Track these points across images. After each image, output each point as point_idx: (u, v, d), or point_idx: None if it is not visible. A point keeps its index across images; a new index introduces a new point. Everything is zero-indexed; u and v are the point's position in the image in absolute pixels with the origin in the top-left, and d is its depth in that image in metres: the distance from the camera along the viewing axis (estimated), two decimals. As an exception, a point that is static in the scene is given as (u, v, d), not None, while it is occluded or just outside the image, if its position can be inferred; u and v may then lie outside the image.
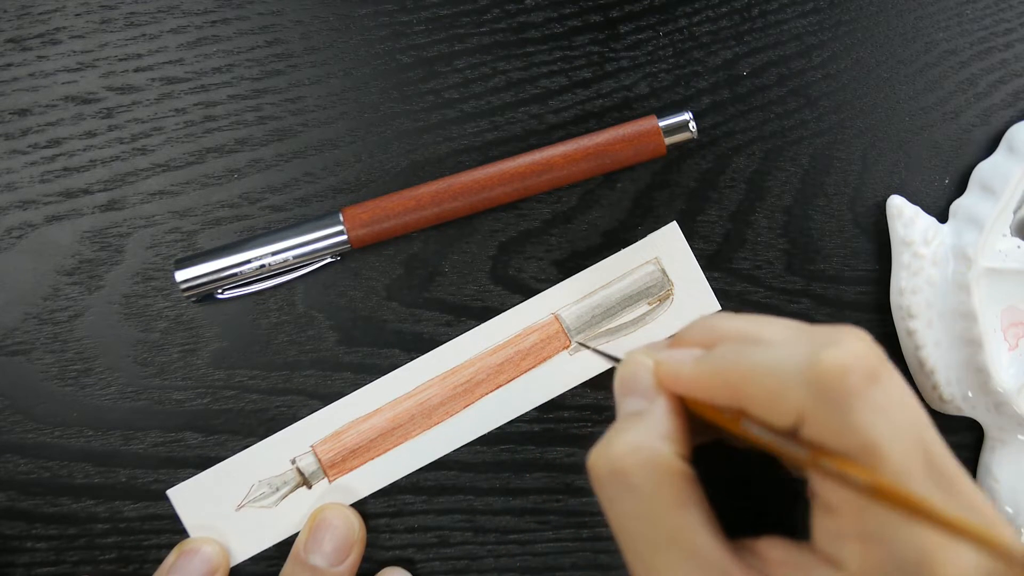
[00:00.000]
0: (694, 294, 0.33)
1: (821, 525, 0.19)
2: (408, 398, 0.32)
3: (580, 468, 0.33)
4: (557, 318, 0.32)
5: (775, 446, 0.19)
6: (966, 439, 0.34)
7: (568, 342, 0.32)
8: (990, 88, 0.35)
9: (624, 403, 0.23)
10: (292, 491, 0.31)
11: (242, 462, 0.31)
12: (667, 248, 0.33)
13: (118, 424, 0.31)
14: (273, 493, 0.31)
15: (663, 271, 0.33)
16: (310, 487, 0.31)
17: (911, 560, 0.17)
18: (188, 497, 0.31)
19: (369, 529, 0.32)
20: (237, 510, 0.31)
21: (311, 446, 0.31)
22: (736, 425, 0.20)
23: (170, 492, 0.31)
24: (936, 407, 0.33)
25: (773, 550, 0.20)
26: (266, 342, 0.32)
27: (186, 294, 0.31)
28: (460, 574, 0.32)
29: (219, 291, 0.31)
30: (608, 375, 0.33)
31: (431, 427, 0.32)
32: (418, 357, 0.32)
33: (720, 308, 0.33)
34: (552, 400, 0.32)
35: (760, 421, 0.20)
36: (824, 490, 0.19)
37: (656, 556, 0.19)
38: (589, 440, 0.33)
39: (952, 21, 0.35)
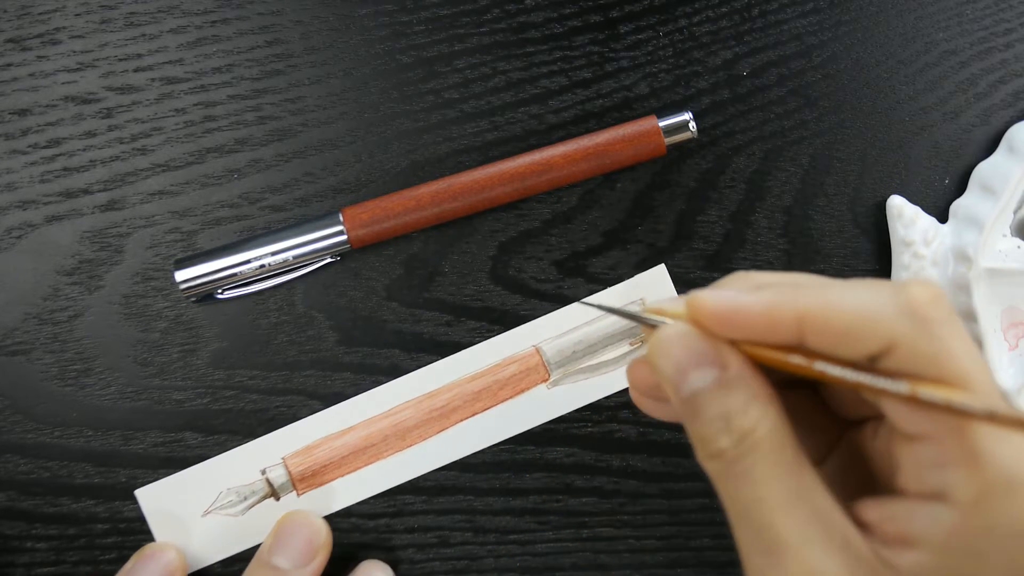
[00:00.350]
0: None
1: (911, 460, 0.19)
2: (383, 418, 0.32)
3: (580, 468, 0.33)
4: (538, 351, 0.32)
5: (861, 383, 0.18)
6: (966, 439, 0.34)
7: (547, 375, 0.32)
8: (990, 88, 0.35)
9: (687, 381, 0.20)
10: (260, 501, 0.31)
11: (212, 468, 0.31)
12: (653, 290, 0.33)
13: (118, 424, 0.31)
14: (241, 502, 0.31)
15: None
16: (278, 499, 0.31)
17: (1022, 478, 0.17)
18: (155, 498, 0.31)
19: (369, 529, 0.32)
20: (203, 516, 0.31)
21: (282, 458, 0.31)
22: (808, 367, 0.19)
23: (138, 492, 0.31)
24: (936, 407, 0.33)
25: (868, 511, 0.19)
26: (266, 342, 0.32)
27: (186, 294, 0.31)
28: (460, 574, 0.32)
29: (219, 291, 0.31)
30: (586, 408, 0.32)
31: (404, 449, 0.32)
32: (399, 377, 0.32)
33: None
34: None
35: (829, 357, 0.19)
36: (913, 423, 0.18)
37: (781, 518, 0.18)
38: (589, 440, 0.33)
39: (952, 21, 0.35)
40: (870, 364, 0.19)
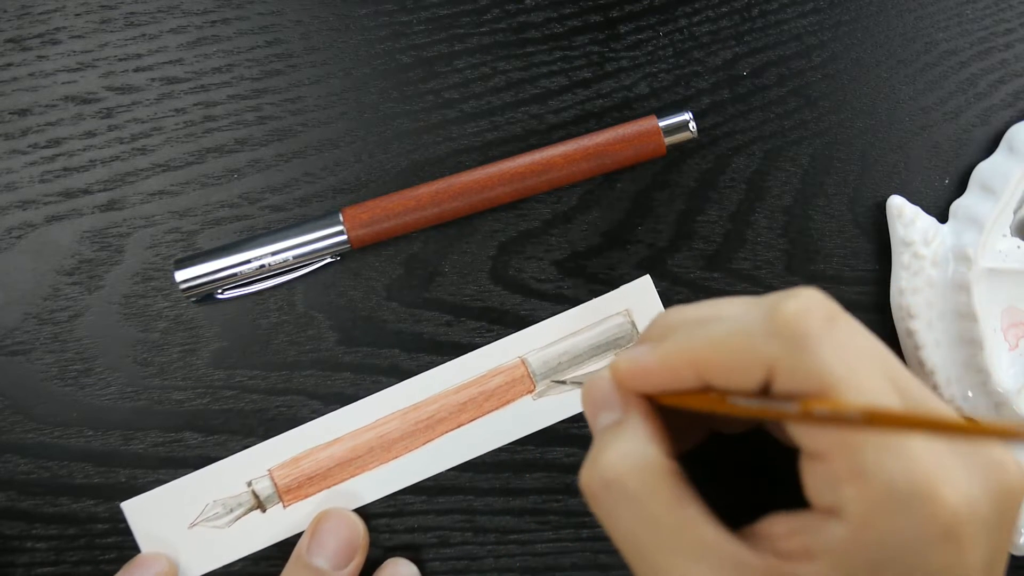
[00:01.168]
0: None
1: (812, 478, 0.19)
2: (368, 430, 0.32)
3: (580, 468, 0.32)
4: (524, 362, 0.32)
5: (763, 410, 0.19)
6: (966, 439, 0.34)
7: (533, 387, 0.32)
8: (990, 88, 0.35)
9: (597, 420, 0.23)
10: (246, 513, 0.31)
11: (198, 480, 0.31)
12: (638, 301, 0.33)
13: (118, 424, 0.31)
14: (227, 514, 0.31)
15: (633, 324, 0.33)
16: (264, 511, 0.31)
17: (907, 490, 0.17)
18: (142, 511, 0.31)
19: (369, 529, 0.32)
20: (190, 528, 0.31)
21: (268, 470, 0.31)
22: (721, 403, 0.20)
23: (124, 505, 0.31)
24: (936, 407, 0.33)
25: (775, 526, 0.20)
26: (266, 342, 0.32)
27: (186, 294, 0.31)
28: (460, 574, 0.32)
29: (219, 291, 0.31)
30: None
31: (389, 460, 0.32)
32: (384, 385, 0.32)
33: None
34: (552, 400, 0.32)
35: (730, 391, 0.20)
36: (810, 440, 0.19)
37: (665, 557, 0.19)
38: (589, 440, 0.32)
39: (952, 21, 0.35)
40: (768, 392, 0.19)
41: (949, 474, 0.18)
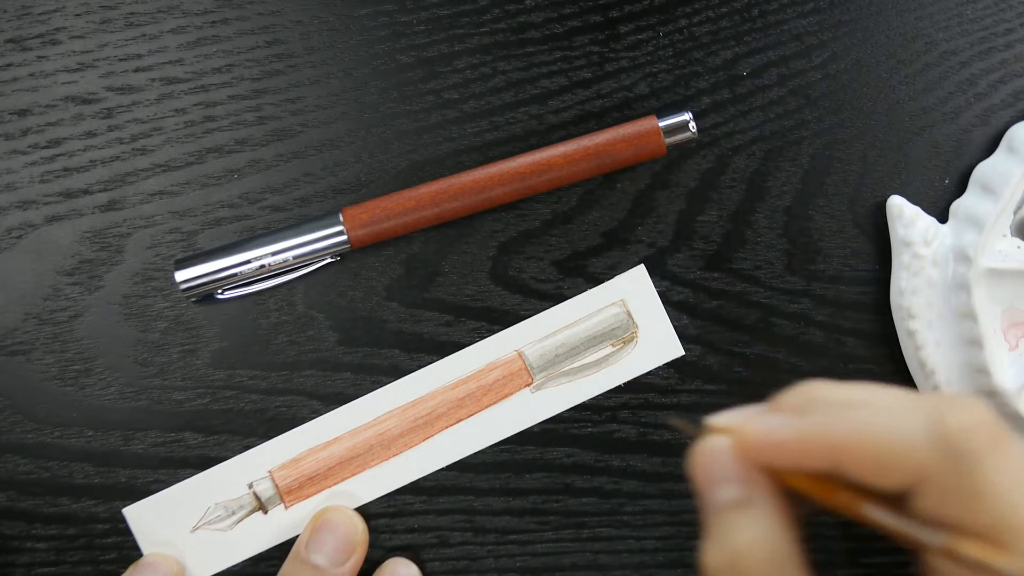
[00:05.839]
0: (658, 338, 0.33)
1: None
2: (368, 428, 0.32)
3: (580, 468, 0.33)
4: (520, 355, 0.32)
5: (900, 528, 0.18)
6: (966, 439, 0.34)
7: (531, 379, 0.32)
8: (990, 88, 0.35)
9: (715, 493, 0.21)
10: (248, 515, 0.31)
11: (199, 484, 0.31)
12: (633, 291, 0.33)
13: (118, 424, 0.31)
14: (229, 516, 0.31)
15: (628, 314, 0.33)
16: (266, 512, 0.31)
17: None
18: (143, 516, 0.31)
19: (369, 529, 0.32)
20: (192, 532, 0.31)
21: (269, 471, 0.31)
22: (853, 505, 0.19)
23: (126, 511, 0.31)
24: (936, 407, 0.33)
25: None
26: (266, 342, 0.32)
27: (186, 294, 0.31)
28: (460, 574, 0.32)
29: (219, 291, 0.31)
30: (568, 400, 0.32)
31: (389, 458, 0.32)
32: (384, 385, 0.32)
33: (683, 354, 0.33)
34: (552, 400, 0.32)
35: (862, 486, 0.19)
36: (945, 569, 0.18)
37: None
38: (589, 440, 0.33)
39: (952, 21, 0.35)
40: (908, 499, 0.18)
41: None
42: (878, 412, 0.19)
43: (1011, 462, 0.18)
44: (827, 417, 0.20)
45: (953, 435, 0.18)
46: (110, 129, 0.31)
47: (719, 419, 0.21)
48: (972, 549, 0.16)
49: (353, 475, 0.31)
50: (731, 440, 0.21)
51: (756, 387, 0.33)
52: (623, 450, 0.33)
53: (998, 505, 0.17)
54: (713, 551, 0.20)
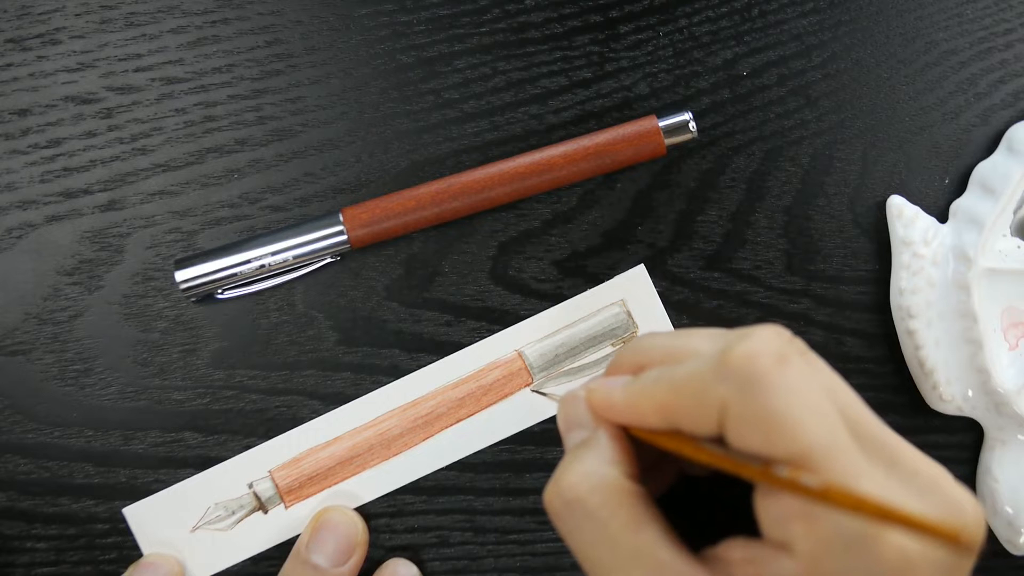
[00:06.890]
0: None
1: (764, 512, 0.19)
2: (368, 428, 0.32)
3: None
4: (520, 355, 0.32)
5: (726, 460, 0.19)
6: (966, 439, 0.34)
7: (531, 379, 0.32)
8: (990, 88, 0.35)
9: (568, 437, 0.23)
10: (248, 515, 0.31)
11: (199, 484, 0.31)
12: (633, 290, 0.33)
13: (118, 424, 0.31)
14: (229, 516, 0.31)
15: (628, 314, 0.33)
16: (266, 512, 0.31)
17: (854, 534, 0.17)
18: (144, 517, 0.31)
19: (369, 529, 0.32)
20: (192, 532, 0.31)
21: (269, 471, 0.31)
22: (687, 446, 0.20)
23: (126, 511, 0.31)
24: (936, 407, 0.33)
25: (733, 551, 0.20)
26: (266, 342, 0.32)
27: (186, 294, 0.31)
28: (460, 574, 0.32)
29: (219, 291, 0.31)
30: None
31: (389, 458, 0.32)
32: (384, 384, 0.32)
33: None
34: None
35: (695, 436, 0.20)
36: (777, 509, 0.19)
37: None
38: (589, 440, 0.33)
39: (952, 21, 0.35)
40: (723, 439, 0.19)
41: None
42: (688, 360, 0.20)
43: (796, 381, 0.18)
44: (651, 375, 0.21)
45: (736, 363, 0.18)
46: (110, 129, 0.31)
47: (581, 385, 0.23)
48: (784, 470, 0.17)
49: (353, 475, 0.32)
50: (584, 394, 0.23)
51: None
52: (623, 450, 0.33)
53: (790, 426, 0.18)
54: (550, 487, 0.21)
